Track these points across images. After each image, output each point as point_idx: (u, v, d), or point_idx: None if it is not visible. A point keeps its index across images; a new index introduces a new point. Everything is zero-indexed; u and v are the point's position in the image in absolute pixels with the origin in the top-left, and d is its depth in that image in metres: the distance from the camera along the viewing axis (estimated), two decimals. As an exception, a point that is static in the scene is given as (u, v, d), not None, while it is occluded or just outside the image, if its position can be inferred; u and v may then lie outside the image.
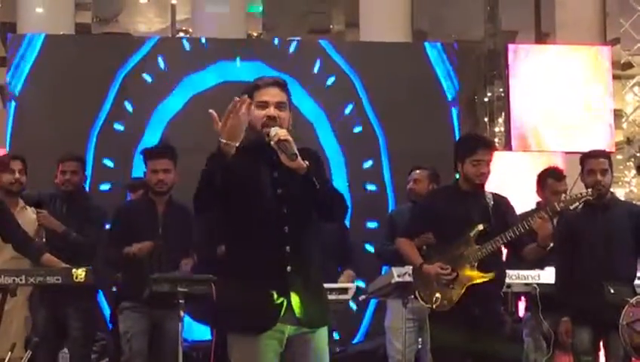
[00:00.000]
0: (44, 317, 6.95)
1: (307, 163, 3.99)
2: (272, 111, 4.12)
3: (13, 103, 8.91)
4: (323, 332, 4.17)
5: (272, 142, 4.00)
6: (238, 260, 4.18)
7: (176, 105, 8.88)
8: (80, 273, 5.74)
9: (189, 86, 8.85)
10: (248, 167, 4.09)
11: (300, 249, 4.11)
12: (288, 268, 4.04)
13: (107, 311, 7.85)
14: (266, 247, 4.06)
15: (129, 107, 8.88)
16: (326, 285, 6.13)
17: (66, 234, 6.92)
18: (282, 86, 4.27)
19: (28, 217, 6.92)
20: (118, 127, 8.84)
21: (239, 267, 4.15)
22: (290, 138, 4.01)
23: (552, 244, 5.62)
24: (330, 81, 9.10)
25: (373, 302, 8.11)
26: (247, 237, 4.12)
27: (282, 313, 4.00)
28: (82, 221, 7.10)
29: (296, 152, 3.96)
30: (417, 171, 7.36)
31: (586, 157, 6.16)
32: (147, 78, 8.96)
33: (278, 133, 3.99)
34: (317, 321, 4.14)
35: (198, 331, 7.65)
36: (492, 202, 5.98)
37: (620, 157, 10.95)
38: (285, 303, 4.01)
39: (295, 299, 4.03)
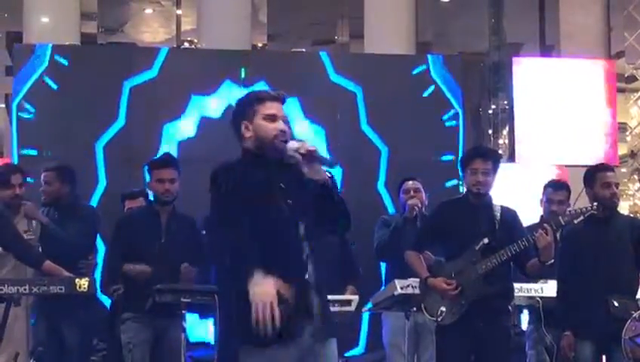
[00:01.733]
0: (43, 326, 6.98)
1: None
2: (282, 125, 4.15)
3: (19, 113, 8.91)
4: (333, 343, 4.19)
5: (294, 154, 4.04)
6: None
7: (187, 127, 8.86)
8: (83, 283, 5.77)
9: (197, 107, 8.83)
10: (261, 178, 4.12)
11: (313, 258, 4.13)
12: (306, 275, 4.07)
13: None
14: (282, 258, 4.05)
15: (137, 120, 8.87)
16: (330, 297, 6.23)
17: (48, 226, 6.96)
18: (283, 102, 4.30)
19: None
20: (127, 141, 8.82)
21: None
22: (317, 147, 4.07)
23: (552, 260, 5.61)
24: (332, 94, 9.07)
25: (366, 314, 8.05)
26: (264, 247, 4.08)
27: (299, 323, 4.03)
28: (70, 226, 7.13)
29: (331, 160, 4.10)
30: (411, 182, 7.37)
31: (599, 171, 6.15)
32: (154, 90, 8.93)
33: (303, 145, 4.04)
34: (329, 332, 4.16)
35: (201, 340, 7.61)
36: (499, 215, 6.04)
37: (624, 170, 10.96)
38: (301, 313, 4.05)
39: (311, 309, 4.07)
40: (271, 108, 4.24)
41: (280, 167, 4.09)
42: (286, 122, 4.21)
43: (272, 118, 4.19)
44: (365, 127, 9.00)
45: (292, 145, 4.07)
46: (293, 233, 4.10)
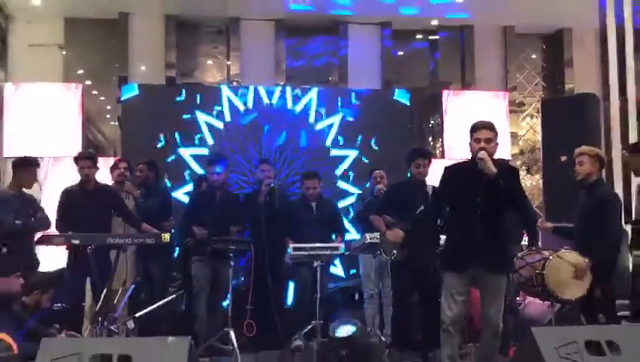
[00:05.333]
0: (140, 265, 7.06)
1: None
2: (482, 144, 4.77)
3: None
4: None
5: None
6: None
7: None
8: (166, 236, 5.76)
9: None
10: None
11: None
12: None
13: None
14: None
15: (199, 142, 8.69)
16: (323, 244, 6.27)
17: (137, 199, 7.11)
18: (490, 128, 4.83)
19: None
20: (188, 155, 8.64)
21: None
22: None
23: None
24: (325, 121, 8.93)
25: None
26: None
27: None
28: (152, 200, 7.21)
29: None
30: (378, 171, 7.33)
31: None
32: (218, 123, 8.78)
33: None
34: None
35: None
36: (430, 191, 6.09)
37: (518, 162, 10.97)
38: None
39: None
40: (480, 133, 4.76)
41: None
42: (488, 142, 4.74)
43: (478, 140, 4.74)
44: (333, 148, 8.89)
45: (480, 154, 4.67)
46: None
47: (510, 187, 4.74)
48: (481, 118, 5.02)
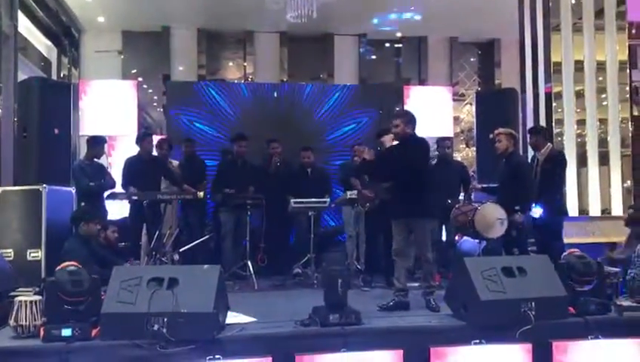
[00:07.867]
0: (182, 214, 7.08)
1: None
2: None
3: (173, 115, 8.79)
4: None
5: None
6: None
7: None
8: (201, 194, 5.89)
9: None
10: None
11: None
12: None
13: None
14: None
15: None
16: (315, 199, 6.27)
17: (177, 168, 6.98)
18: (395, 116, 4.70)
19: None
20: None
21: None
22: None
23: None
24: (318, 109, 8.78)
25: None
26: None
27: None
28: (193, 169, 7.13)
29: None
30: (356, 146, 7.08)
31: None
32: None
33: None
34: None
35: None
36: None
37: (461, 138, 11.04)
38: None
39: None
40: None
41: None
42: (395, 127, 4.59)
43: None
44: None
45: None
46: None
47: (405, 158, 4.58)
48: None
